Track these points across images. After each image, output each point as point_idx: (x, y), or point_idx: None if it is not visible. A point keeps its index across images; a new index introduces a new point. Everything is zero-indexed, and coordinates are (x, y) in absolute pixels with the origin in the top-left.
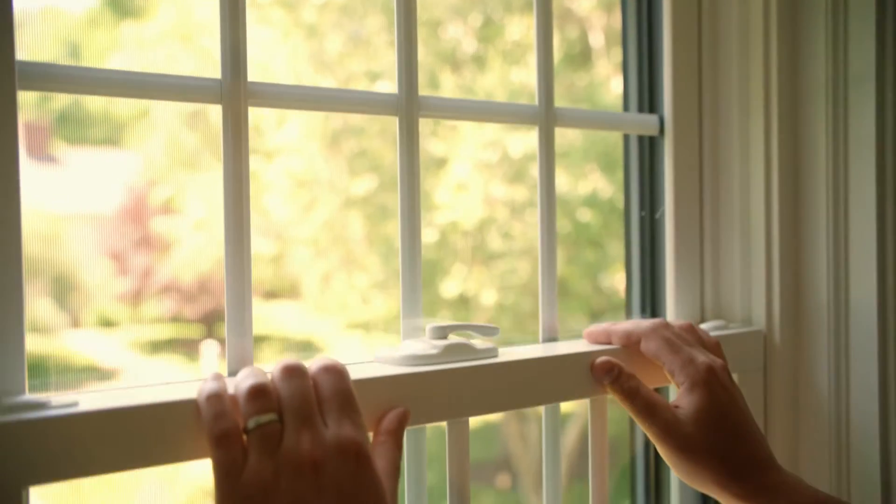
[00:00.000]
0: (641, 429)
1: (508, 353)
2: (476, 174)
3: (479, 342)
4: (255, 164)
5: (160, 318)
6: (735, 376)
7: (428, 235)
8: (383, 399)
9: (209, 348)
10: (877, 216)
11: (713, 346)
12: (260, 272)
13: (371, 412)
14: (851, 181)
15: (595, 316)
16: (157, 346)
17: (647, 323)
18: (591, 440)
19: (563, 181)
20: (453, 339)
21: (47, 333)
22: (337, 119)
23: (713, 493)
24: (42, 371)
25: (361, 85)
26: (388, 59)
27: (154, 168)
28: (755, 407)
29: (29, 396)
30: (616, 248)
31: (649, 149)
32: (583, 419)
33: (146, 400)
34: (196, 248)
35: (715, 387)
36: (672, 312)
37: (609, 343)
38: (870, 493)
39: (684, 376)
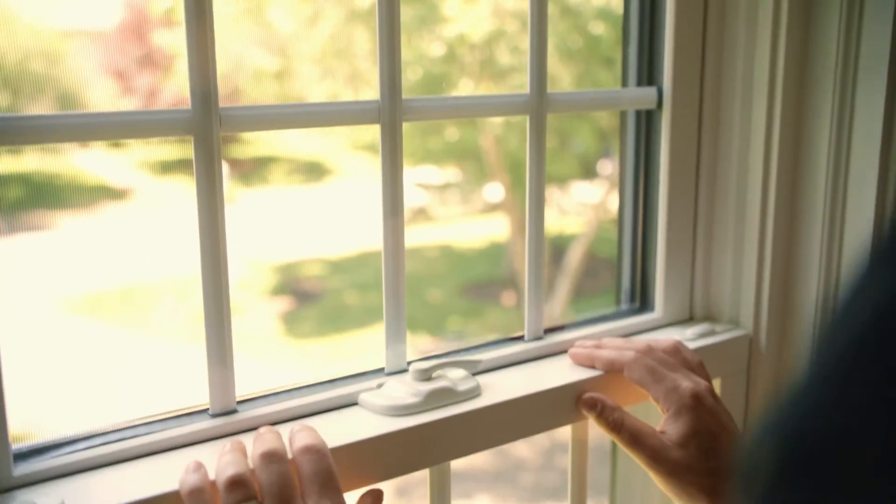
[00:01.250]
0: (631, 456)
1: (491, 391)
2: None
3: (461, 377)
4: None
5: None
6: (717, 381)
7: (435, 49)
8: (367, 458)
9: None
10: (874, 226)
11: (697, 366)
12: (265, 89)
13: (355, 472)
14: (851, 185)
15: (603, 136)
16: (166, 167)
17: (630, 351)
18: (570, 466)
19: None
20: (437, 379)
21: (55, 153)
22: None
23: None
24: (54, 191)
25: None
26: None
27: None
28: (736, 409)
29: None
30: None
31: None
32: (587, 239)
33: (132, 497)
34: None
35: (700, 411)
36: (661, 311)
37: (593, 367)
38: None
39: (669, 403)
